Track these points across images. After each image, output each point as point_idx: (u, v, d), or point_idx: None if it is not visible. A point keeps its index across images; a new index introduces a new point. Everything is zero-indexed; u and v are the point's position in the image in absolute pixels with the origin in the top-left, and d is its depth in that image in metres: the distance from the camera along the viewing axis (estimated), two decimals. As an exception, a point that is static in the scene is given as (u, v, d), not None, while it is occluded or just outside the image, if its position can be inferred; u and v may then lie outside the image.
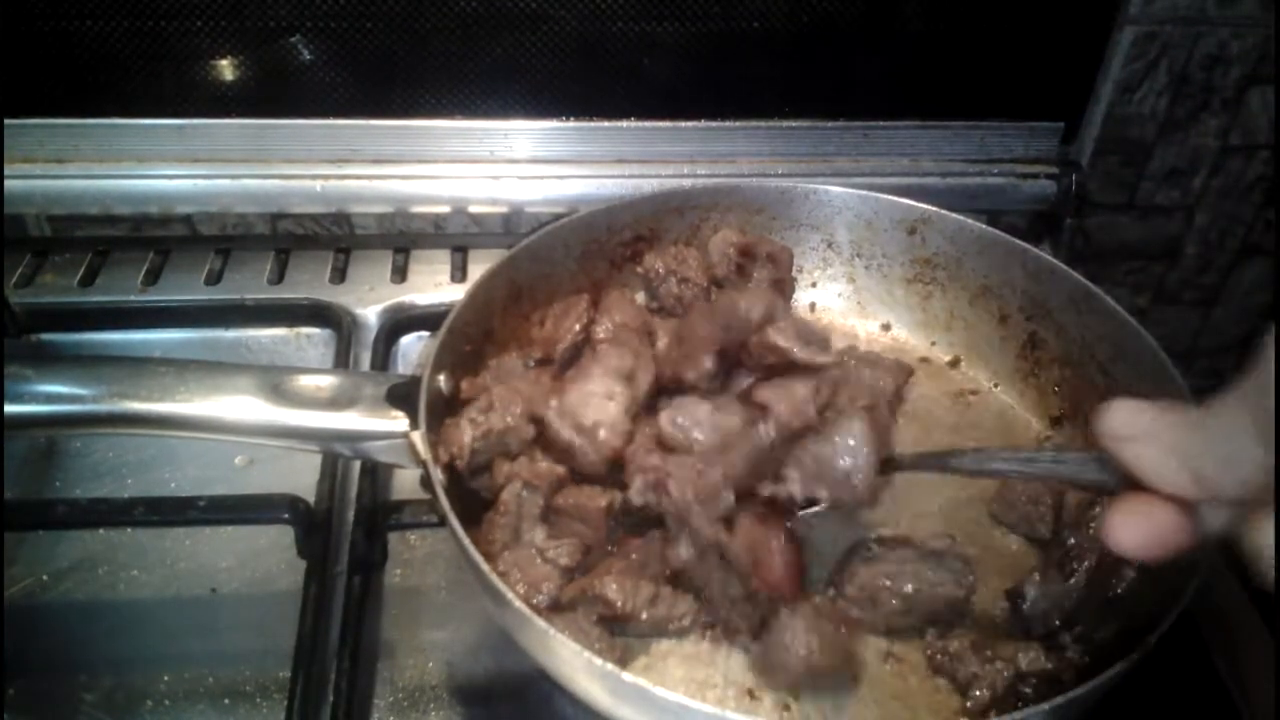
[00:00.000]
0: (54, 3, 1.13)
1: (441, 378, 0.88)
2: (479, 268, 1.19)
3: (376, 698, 0.87)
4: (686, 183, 1.24)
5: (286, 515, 0.90)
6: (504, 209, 1.31)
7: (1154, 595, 0.79)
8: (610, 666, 0.69)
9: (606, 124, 1.28)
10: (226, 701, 0.86)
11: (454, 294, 1.16)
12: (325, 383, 0.84)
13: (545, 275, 1.05)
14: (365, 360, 1.15)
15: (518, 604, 0.72)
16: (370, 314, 1.22)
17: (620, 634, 0.83)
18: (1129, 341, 0.97)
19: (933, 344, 1.15)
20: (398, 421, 0.81)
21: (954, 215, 1.11)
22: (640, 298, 1.09)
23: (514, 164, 1.29)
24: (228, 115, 1.23)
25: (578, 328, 0.98)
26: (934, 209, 1.12)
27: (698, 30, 1.21)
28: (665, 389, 0.91)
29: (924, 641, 0.85)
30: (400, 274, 1.29)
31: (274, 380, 0.82)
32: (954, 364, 1.13)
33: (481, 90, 1.24)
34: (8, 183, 1.21)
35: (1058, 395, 1.06)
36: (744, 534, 0.81)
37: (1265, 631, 0.93)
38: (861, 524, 0.93)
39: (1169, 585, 0.76)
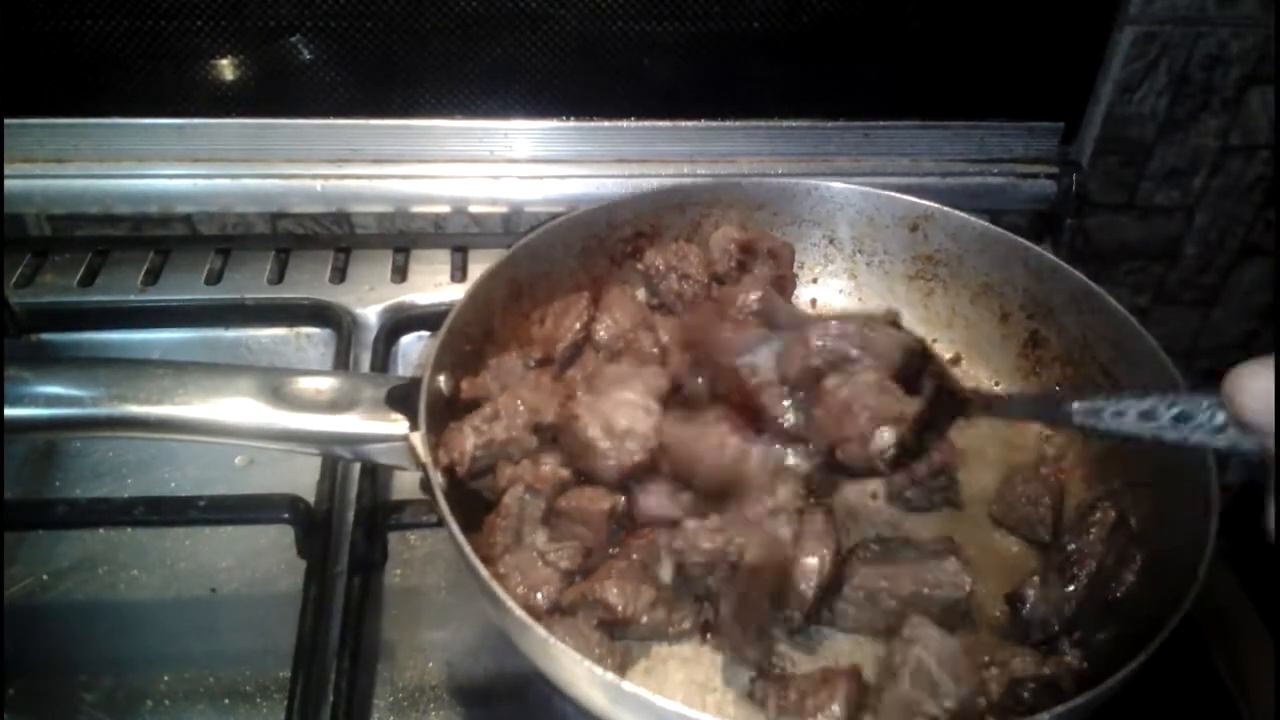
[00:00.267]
0: (54, 3, 1.13)
1: (441, 378, 0.88)
2: (479, 267, 1.19)
3: (376, 698, 0.87)
4: (686, 182, 1.24)
5: (286, 515, 0.90)
6: (504, 209, 1.31)
7: (1154, 599, 0.79)
8: (610, 675, 0.68)
9: (606, 124, 1.27)
10: (226, 701, 0.86)
11: (454, 294, 1.16)
12: (325, 385, 0.84)
13: (545, 273, 1.05)
14: (365, 360, 1.15)
15: (517, 611, 0.72)
16: (370, 314, 1.22)
17: (620, 637, 0.83)
18: (1130, 341, 0.96)
19: (934, 341, 1.15)
20: (397, 424, 0.81)
21: (956, 212, 1.11)
22: (641, 294, 1.09)
23: (514, 164, 1.29)
24: (228, 115, 1.23)
25: (578, 326, 0.98)
26: (936, 206, 1.12)
27: (698, 30, 1.21)
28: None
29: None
30: (400, 274, 1.28)
31: (273, 383, 0.82)
32: (955, 361, 1.13)
33: (481, 90, 1.24)
34: (8, 183, 1.21)
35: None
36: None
37: (1265, 632, 0.93)
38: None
39: (1169, 589, 0.76)
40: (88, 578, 0.95)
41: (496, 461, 0.86)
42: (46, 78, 1.18)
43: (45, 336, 1.18)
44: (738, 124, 1.29)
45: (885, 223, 1.14)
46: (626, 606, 0.80)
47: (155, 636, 0.91)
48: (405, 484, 1.00)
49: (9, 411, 0.77)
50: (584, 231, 1.07)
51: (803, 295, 1.17)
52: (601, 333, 1.01)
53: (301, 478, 0.99)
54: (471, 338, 0.96)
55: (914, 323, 1.16)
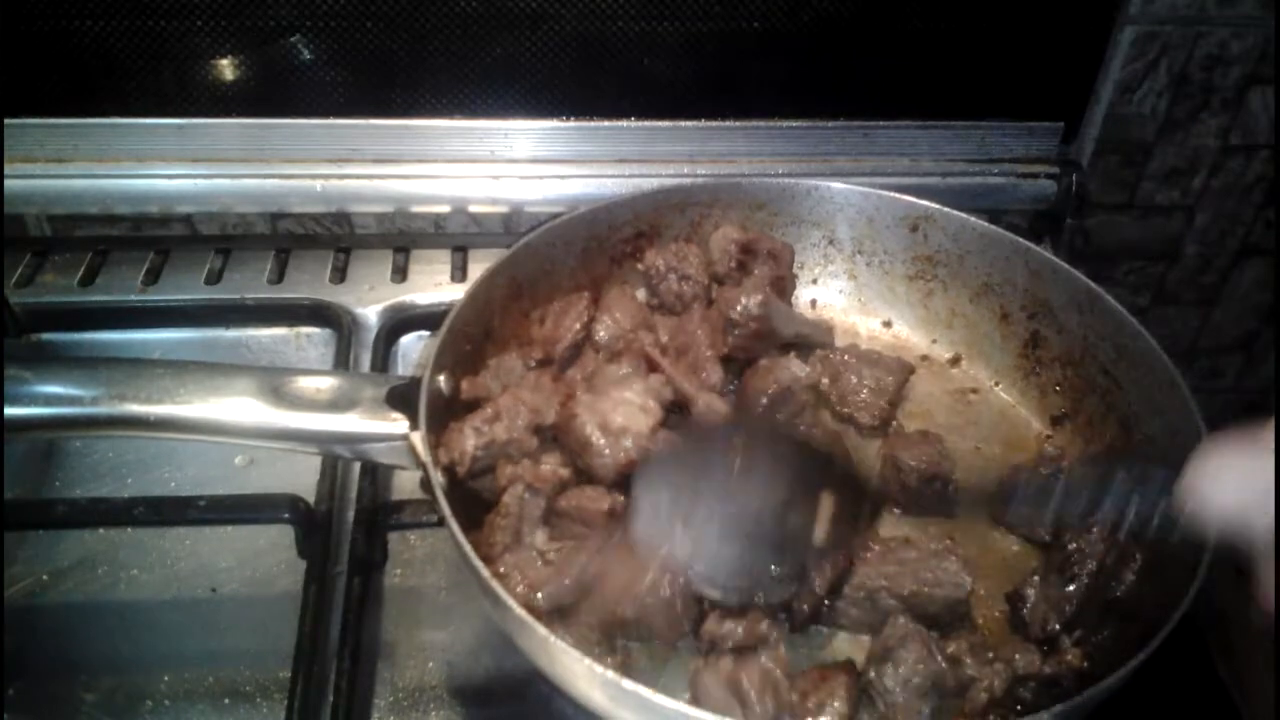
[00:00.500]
0: (54, 3, 1.13)
1: (441, 378, 0.88)
2: (479, 267, 1.19)
3: (376, 698, 0.87)
4: (686, 182, 1.24)
5: (286, 515, 0.90)
6: (504, 209, 1.31)
7: (1154, 598, 0.79)
8: (610, 673, 0.68)
9: (606, 124, 1.27)
10: (226, 701, 0.86)
11: (454, 294, 1.16)
12: (325, 384, 0.83)
13: (546, 273, 1.05)
14: (365, 360, 1.15)
15: (517, 609, 0.72)
16: (370, 314, 1.22)
17: (622, 638, 0.83)
18: (1130, 341, 0.97)
19: (933, 342, 1.15)
20: (397, 424, 0.81)
21: (956, 213, 1.11)
22: (641, 294, 1.09)
23: (514, 164, 1.29)
24: (228, 115, 1.23)
25: (578, 326, 0.98)
26: (936, 206, 1.12)
27: (698, 30, 1.21)
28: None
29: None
30: (400, 274, 1.28)
31: (274, 382, 0.82)
32: (955, 362, 1.13)
33: (481, 90, 1.24)
34: (8, 183, 1.21)
35: (1059, 394, 1.06)
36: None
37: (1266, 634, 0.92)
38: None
39: (1169, 588, 0.75)
40: (88, 578, 0.94)
41: (496, 461, 0.86)
42: (46, 78, 1.18)
43: (45, 336, 1.18)
44: (738, 124, 1.29)
45: (885, 223, 1.14)
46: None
47: (155, 636, 0.91)
48: (405, 484, 1.00)
49: (9, 411, 0.77)
50: (584, 231, 1.07)
51: (803, 296, 1.18)
52: (601, 333, 1.01)
53: (301, 478, 0.99)
54: (471, 338, 0.96)
55: (914, 323, 1.17)
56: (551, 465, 0.86)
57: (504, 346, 0.99)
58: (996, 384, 1.11)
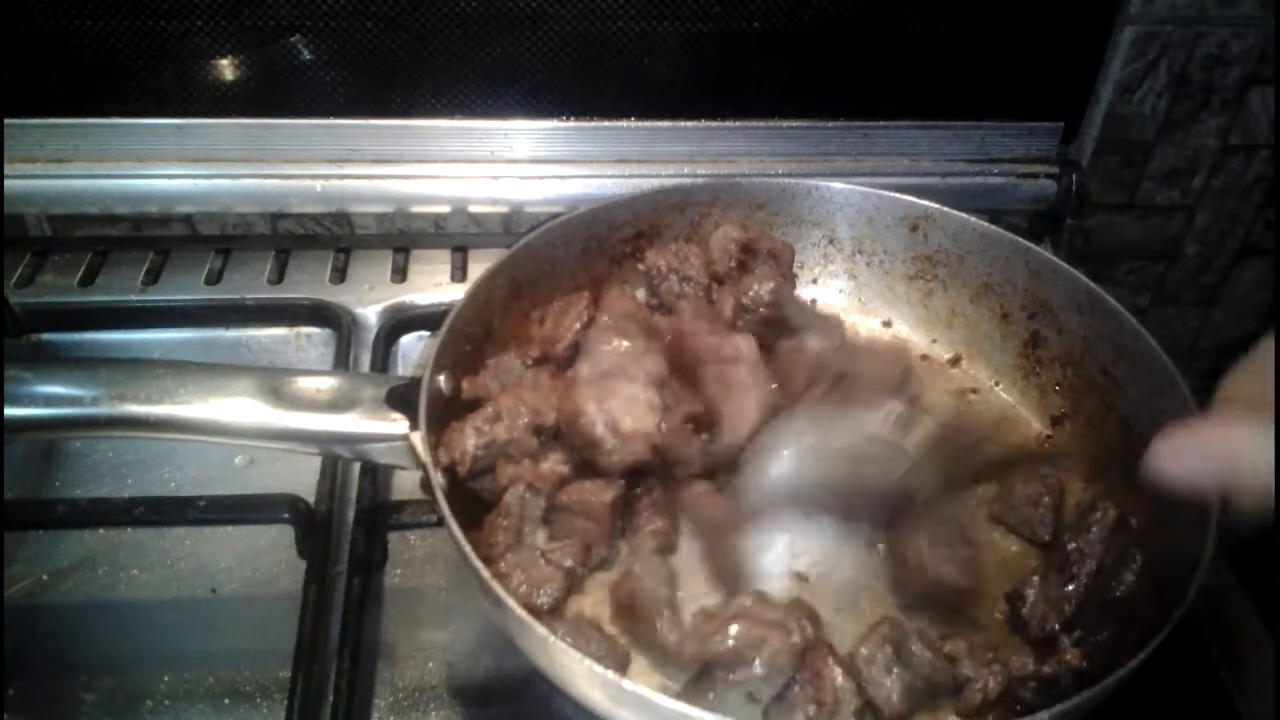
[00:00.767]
0: (54, 3, 1.13)
1: (441, 378, 0.88)
2: (479, 267, 1.19)
3: (376, 698, 0.87)
4: (686, 182, 1.24)
5: (286, 515, 0.90)
6: (504, 209, 1.31)
7: (1154, 599, 0.79)
8: (611, 674, 0.68)
9: (606, 124, 1.27)
10: (226, 701, 0.86)
11: (454, 294, 1.16)
12: (325, 385, 0.83)
13: (546, 273, 1.05)
14: (365, 360, 1.15)
15: (518, 609, 0.72)
16: (370, 314, 1.22)
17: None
18: (1131, 341, 0.96)
19: (933, 341, 1.15)
20: (397, 424, 0.81)
21: (956, 213, 1.11)
22: (641, 294, 1.09)
23: (514, 164, 1.29)
24: (228, 115, 1.23)
25: (578, 326, 0.98)
26: (936, 206, 1.12)
27: (698, 30, 1.21)
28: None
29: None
30: (400, 274, 1.28)
31: (273, 382, 0.82)
32: (954, 362, 1.13)
33: (481, 90, 1.24)
34: (8, 183, 1.21)
35: (1059, 394, 1.06)
36: None
37: (1265, 632, 0.93)
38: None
39: (1169, 589, 0.75)
40: (88, 578, 0.94)
41: (497, 461, 0.86)
42: (46, 78, 1.18)
43: (45, 336, 1.18)
44: (738, 124, 1.29)
45: (885, 223, 1.14)
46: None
47: (155, 636, 0.91)
48: (405, 484, 1.00)
49: (9, 411, 0.77)
50: (584, 232, 1.07)
51: (803, 295, 1.17)
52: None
53: (301, 478, 0.99)
54: (471, 338, 0.96)
55: (913, 323, 1.17)
56: (551, 463, 0.86)
57: (504, 346, 0.99)
58: (996, 384, 1.11)
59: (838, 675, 0.77)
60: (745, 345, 0.93)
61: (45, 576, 0.94)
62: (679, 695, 0.77)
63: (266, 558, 0.96)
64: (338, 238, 1.33)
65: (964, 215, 1.11)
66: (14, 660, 0.86)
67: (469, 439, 0.84)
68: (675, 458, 0.89)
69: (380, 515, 0.96)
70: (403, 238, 1.33)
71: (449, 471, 0.83)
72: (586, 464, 0.88)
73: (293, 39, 1.18)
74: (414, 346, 1.19)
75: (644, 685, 0.68)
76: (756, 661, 0.77)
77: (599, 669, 0.69)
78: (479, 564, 0.74)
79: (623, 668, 0.80)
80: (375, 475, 1.00)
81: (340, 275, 1.28)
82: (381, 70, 1.21)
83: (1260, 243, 1.50)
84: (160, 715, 0.85)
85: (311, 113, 1.24)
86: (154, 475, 1.03)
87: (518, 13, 1.18)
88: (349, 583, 0.92)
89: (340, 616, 0.90)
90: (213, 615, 0.93)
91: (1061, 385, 1.05)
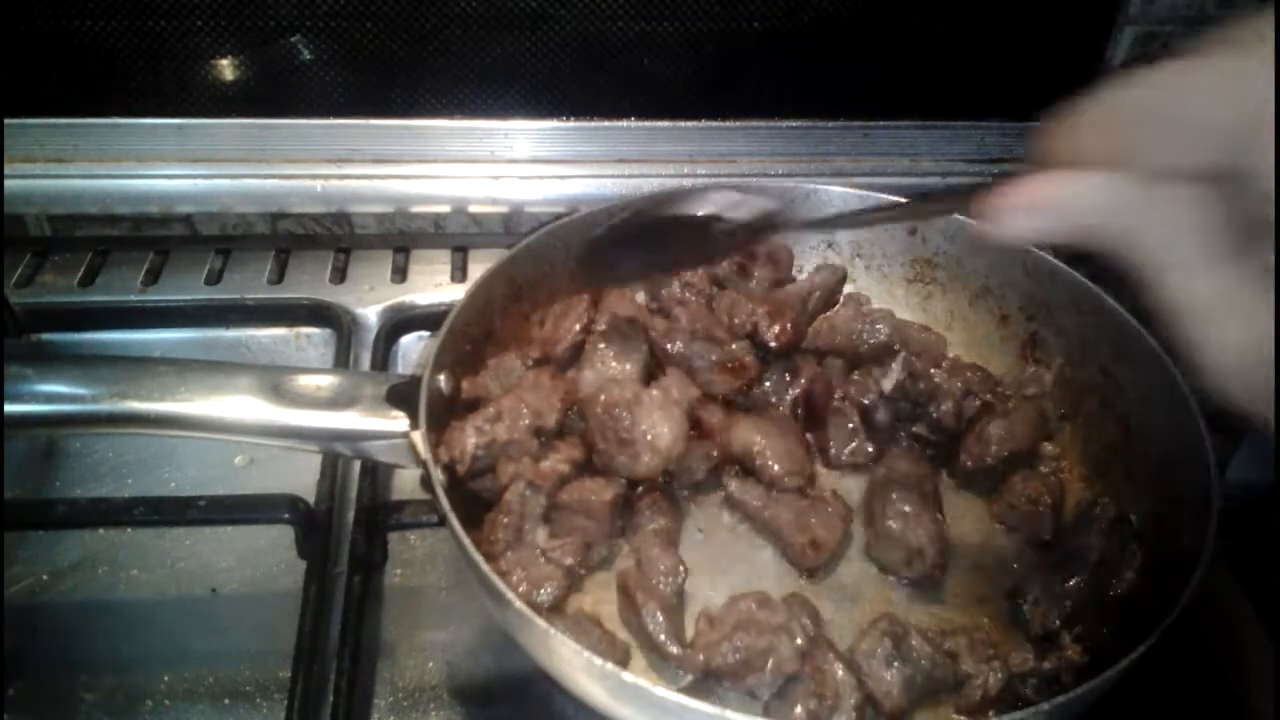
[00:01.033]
0: (54, 3, 1.13)
1: (441, 377, 0.88)
2: (479, 268, 1.19)
3: (376, 698, 0.87)
4: (686, 182, 1.24)
5: (286, 515, 0.90)
6: (504, 209, 1.31)
7: (1154, 596, 0.79)
8: (611, 666, 0.68)
9: (606, 124, 1.27)
10: (226, 701, 0.86)
11: (454, 294, 1.16)
12: (325, 383, 0.84)
13: (545, 274, 1.05)
14: (365, 360, 1.15)
15: (518, 604, 0.72)
16: (370, 314, 1.22)
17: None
18: (1130, 341, 0.96)
19: (933, 343, 1.15)
20: (398, 421, 0.81)
21: (955, 215, 1.11)
22: (640, 297, 1.09)
23: (514, 164, 1.29)
24: (228, 115, 1.23)
25: (578, 328, 0.98)
26: (935, 208, 1.11)
27: (698, 30, 1.21)
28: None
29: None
30: (400, 274, 1.28)
31: (274, 380, 0.82)
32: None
33: (481, 90, 1.24)
34: (8, 183, 1.21)
35: (1058, 394, 1.05)
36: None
37: (1265, 632, 0.93)
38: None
39: (1169, 587, 0.76)
40: (88, 578, 0.94)
41: (497, 461, 0.86)
42: (46, 78, 1.19)
43: (45, 336, 1.18)
44: (738, 124, 1.29)
45: (883, 226, 1.14)
46: None
47: (155, 636, 0.91)
48: (405, 484, 1.00)
49: (10, 408, 0.77)
50: (584, 233, 1.07)
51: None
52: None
53: (301, 478, 0.99)
54: (471, 338, 0.96)
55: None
56: (552, 462, 0.86)
57: (504, 347, 0.99)
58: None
59: (838, 670, 0.77)
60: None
61: (45, 576, 0.94)
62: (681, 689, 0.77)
63: (266, 558, 0.96)
64: (338, 238, 1.33)
65: (962, 217, 1.10)
66: (14, 660, 0.86)
67: (469, 438, 0.84)
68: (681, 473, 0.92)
69: (380, 515, 0.96)
70: (403, 238, 1.33)
71: (449, 470, 0.83)
72: (588, 464, 0.89)
73: (293, 39, 1.18)
74: (414, 346, 1.19)
75: (645, 676, 0.68)
76: (764, 671, 0.77)
77: (599, 662, 0.69)
78: (479, 557, 0.74)
79: (623, 663, 0.80)
80: (375, 475, 1.00)
81: (340, 275, 1.28)
82: (381, 70, 1.21)
83: (1259, 243, 1.50)
84: (160, 715, 0.85)
85: (311, 113, 1.24)
86: (154, 475, 1.03)
87: (518, 13, 1.18)
88: (349, 583, 0.92)
89: (340, 616, 0.89)
90: (213, 615, 0.93)
91: (1061, 385, 1.05)
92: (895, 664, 0.79)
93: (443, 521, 0.77)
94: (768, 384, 1.02)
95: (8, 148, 1.20)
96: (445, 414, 0.87)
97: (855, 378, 1.03)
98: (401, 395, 0.83)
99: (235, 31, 1.17)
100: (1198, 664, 0.91)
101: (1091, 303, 1.00)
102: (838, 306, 1.10)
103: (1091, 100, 0.56)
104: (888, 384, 0.98)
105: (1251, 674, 0.90)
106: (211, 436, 0.81)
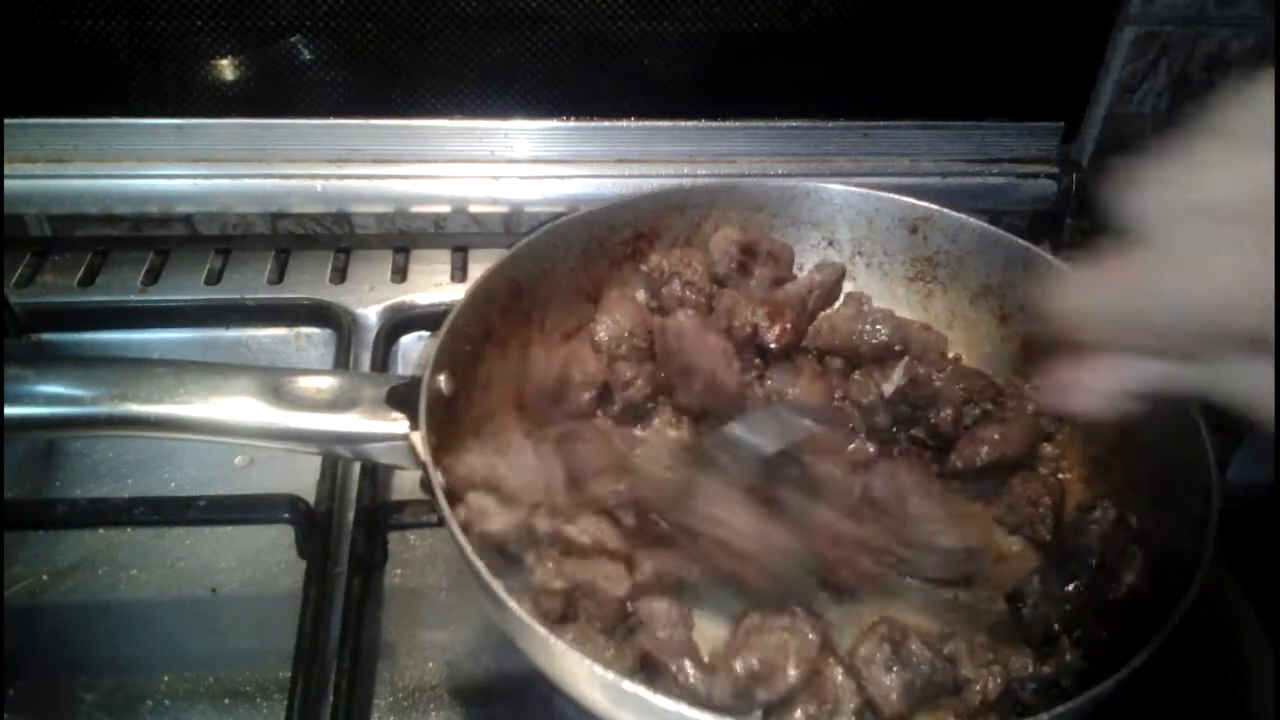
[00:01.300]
0: (54, 3, 1.13)
1: (442, 378, 0.87)
2: (479, 268, 1.19)
3: (376, 698, 0.87)
4: (686, 182, 1.24)
5: (286, 515, 0.90)
6: (504, 209, 1.31)
7: (1154, 598, 0.79)
8: (611, 674, 0.68)
9: (606, 124, 1.27)
10: (226, 701, 0.86)
11: (454, 294, 1.16)
12: (325, 384, 0.83)
13: (546, 273, 1.04)
14: (365, 360, 1.15)
15: (518, 610, 0.71)
16: (370, 314, 1.22)
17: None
18: (1129, 342, 0.96)
19: (933, 343, 1.15)
20: (398, 423, 0.81)
21: (956, 214, 1.10)
22: (640, 296, 1.09)
23: (514, 164, 1.29)
24: (228, 115, 1.23)
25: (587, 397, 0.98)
26: (936, 207, 1.11)
27: (698, 30, 1.21)
28: None
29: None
30: (400, 274, 1.28)
31: (274, 382, 0.81)
32: (955, 363, 1.13)
33: (481, 90, 1.24)
34: (8, 183, 1.21)
35: (1058, 395, 1.05)
36: None
37: (1265, 632, 0.93)
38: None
39: (1169, 589, 0.75)
40: (88, 578, 0.95)
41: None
42: (46, 78, 1.18)
43: (45, 336, 1.18)
44: (738, 124, 1.29)
45: (884, 224, 1.14)
46: None
47: (155, 636, 0.91)
48: (405, 484, 1.00)
49: (10, 410, 0.77)
50: (584, 233, 1.07)
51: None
52: (601, 333, 1.01)
53: (301, 478, 0.99)
54: (472, 338, 0.96)
55: (914, 324, 1.17)
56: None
57: (504, 347, 0.99)
58: (996, 384, 1.11)
59: (838, 674, 0.77)
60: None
61: (45, 576, 0.94)
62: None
63: (266, 558, 0.96)
64: (338, 238, 1.33)
65: (963, 216, 1.10)
66: (14, 660, 0.86)
67: (494, 521, 0.81)
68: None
69: (380, 515, 0.96)
70: (403, 238, 1.33)
71: (448, 471, 0.83)
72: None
73: (293, 39, 1.18)
74: (414, 346, 1.19)
75: (644, 687, 0.68)
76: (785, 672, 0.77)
77: (599, 669, 0.69)
78: (480, 563, 0.73)
79: (624, 668, 0.80)
80: (375, 475, 1.00)
81: (340, 275, 1.28)
82: (381, 70, 1.21)
83: (1260, 243, 1.49)
84: (160, 715, 0.85)
85: (311, 113, 1.24)
86: (154, 475, 1.03)
87: (518, 13, 1.18)
88: (349, 583, 0.92)
89: (340, 616, 0.90)
90: (213, 615, 0.93)
91: (1061, 385, 1.05)
92: (894, 668, 0.79)
93: (443, 523, 0.77)
94: (768, 383, 1.02)
95: (8, 148, 1.20)
96: (445, 415, 0.87)
97: (856, 378, 1.03)
98: (401, 397, 0.83)
99: (235, 31, 1.17)
100: (1198, 664, 0.91)
101: (1092, 303, 1.00)
102: (838, 305, 1.11)
103: (1095, 276, 0.60)
104: (889, 387, 0.98)
105: (1251, 674, 0.90)
106: (211, 439, 0.81)
